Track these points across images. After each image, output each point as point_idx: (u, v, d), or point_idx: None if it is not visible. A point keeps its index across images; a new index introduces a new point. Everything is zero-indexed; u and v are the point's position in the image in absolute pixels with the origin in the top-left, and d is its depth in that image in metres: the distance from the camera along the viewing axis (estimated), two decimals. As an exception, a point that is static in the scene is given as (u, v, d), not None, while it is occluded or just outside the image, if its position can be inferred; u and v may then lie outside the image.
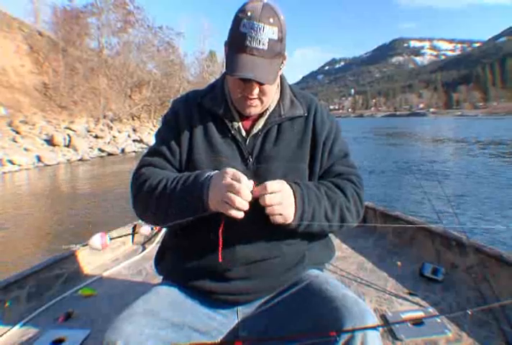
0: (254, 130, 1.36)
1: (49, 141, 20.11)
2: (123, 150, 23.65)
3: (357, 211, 1.35)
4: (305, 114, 1.40)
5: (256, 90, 1.25)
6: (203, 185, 1.16)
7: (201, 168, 1.29)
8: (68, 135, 21.40)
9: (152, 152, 1.40)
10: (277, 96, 1.40)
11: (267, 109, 1.37)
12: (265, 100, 1.30)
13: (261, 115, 1.37)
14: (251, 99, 1.27)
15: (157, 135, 1.44)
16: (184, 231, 1.32)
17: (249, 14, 1.14)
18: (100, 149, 22.23)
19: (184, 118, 1.38)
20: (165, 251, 1.47)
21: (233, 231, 1.21)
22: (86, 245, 2.69)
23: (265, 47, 1.16)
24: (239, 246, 1.28)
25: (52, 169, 16.55)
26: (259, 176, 1.28)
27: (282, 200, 1.14)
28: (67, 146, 20.43)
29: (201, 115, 1.38)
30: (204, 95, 1.40)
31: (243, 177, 1.11)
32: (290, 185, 1.20)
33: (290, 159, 1.34)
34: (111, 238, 2.75)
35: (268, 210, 1.13)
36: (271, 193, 1.12)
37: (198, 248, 1.31)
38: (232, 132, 1.35)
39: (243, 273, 1.29)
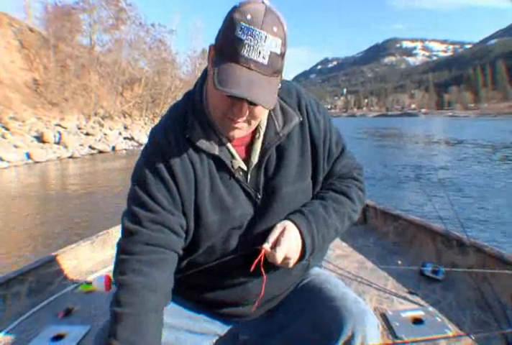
0: (253, 160, 1.15)
1: (40, 138, 19.96)
2: (114, 148, 23.57)
3: (361, 204, 1.31)
4: (300, 119, 1.19)
5: (245, 112, 1.01)
6: None
7: (211, 228, 1.13)
8: (59, 132, 21.30)
9: (147, 219, 1.07)
10: None
11: (259, 127, 1.15)
12: (254, 123, 1.08)
13: (253, 135, 1.17)
14: (236, 122, 1.04)
15: (144, 193, 1.09)
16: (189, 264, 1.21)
17: (248, 16, 0.92)
18: (90, 147, 22.11)
19: (182, 166, 1.10)
20: None
21: (240, 271, 1.18)
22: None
23: (265, 61, 0.94)
24: (248, 284, 1.22)
25: (42, 167, 16.44)
26: (268, 210, 1.17)
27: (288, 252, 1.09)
28: (58, 143, 20.30)
29: (198, 157, 1.11)
30: (191, 125, 1.12)
31: None
32: (294, 222, 1.13)
33: (295, 181, 1.19)
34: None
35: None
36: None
37: (203, 283, 1.25)
38: (236, 175, 1.13)
39: (252, 299, 1.23)
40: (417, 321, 1.93)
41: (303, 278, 1.33)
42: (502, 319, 1.85)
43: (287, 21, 1.00)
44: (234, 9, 0.96)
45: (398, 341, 1.78)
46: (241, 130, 1.08)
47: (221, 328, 1.29)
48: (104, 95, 34.85)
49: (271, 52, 0.94)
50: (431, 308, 2.05)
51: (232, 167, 1.13)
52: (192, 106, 1.15)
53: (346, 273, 2.58)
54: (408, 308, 2.07)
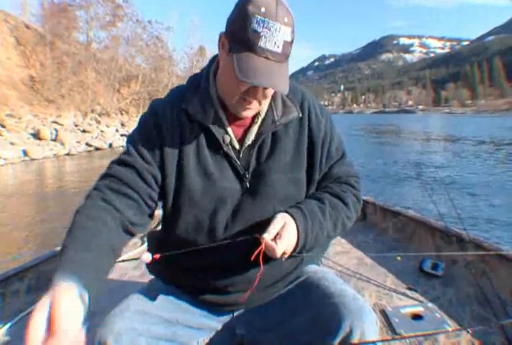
0: (247, 141, 1.22)
1: (36, 135, 19.89)
2: (111, 145, 23.47)
3: (356, 213, 1.33)
4: (300, 115, 1.25)
5: (261, 95, 1.12)
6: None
7: (196, 197, 1.18)
8: (55, 129, 21.20)
9: (124, 162, 1.18)
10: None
11: (259, 114, 1.22)
12: (264, 102, 1.18)
13: (252, 120, 1.23)
14: (251, 102, 1.14)
15: (130, 144, 1.21)
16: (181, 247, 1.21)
17: (262, 9, 1.00)
18: (87, 144, 22.01)
19: (171, 131, 1.19)
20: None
21: (233, 254, 1.19)
22: None
23: (279, 50, 1.03)
24: (240, 269, 1.23)
25: (39, 164, 16.37)
26: (257, 192, 1.21)
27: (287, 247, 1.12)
28: (54, 140, 20.20)
29: (190, 126, 1.20)
30: (189, 99, 1.21)
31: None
32: (294, 218, 1.15)
33: (288, 170, 1.23)
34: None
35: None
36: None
37: (196, 264, 1.25)
38: (224, 149, 1.19)
39: (243, 287, 1.23)
40: (416, 317, 1.93)
41: (299, 275, 1.33)
42: (501, 314, 1.86)
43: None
44: (247, 1, 1.02)
45: (398, 336, 1.78)
46: (253, 110, 1.17)
47: (217, 323, 1.29)
48: (101, 92, 34.78)
49: (284, 41, 1.03)
50: (430, 304, 2.05)
51: (223, 141, 1.19)
52: (196, 85, 1.25)
53: (346, 269, 2.57)
54: (407, 304, 2.07)
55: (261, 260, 1.08)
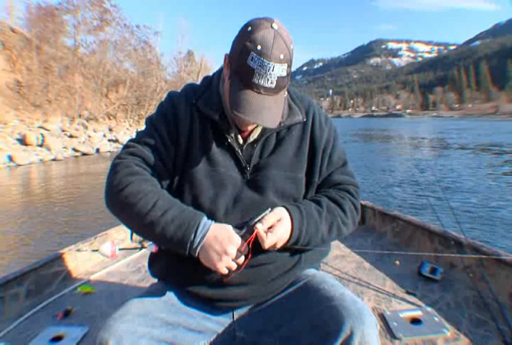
0: (251, 138, 1.31)
1: (22, 141, 19.71)
2: (98, 150, 23.38)
3: (353, 222, 1.37)
4: (304, 120, 1.35)
5: (253, 124, 1.24)
6: (193, 239, 1.13)
7: (198, 179, 1.26)
8: (42, 134, 21.00)
9: (144, 142, 1.28)
10: None
11: None
12: None
13: None
14: (246, 123, 1.24)
15: (151, 125, 1.32)
16: None
17: (259, 47, 1.06)
18: (74, 149, 21.88)
19: (183, 119, 1.30)
20: (159, 253, 1.42)
21: None
22: (96, 250, 2.84)
23: (273, 86, 1.11)
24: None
25: (25, 169, 16.20)
26: (256, 185, 1.28)
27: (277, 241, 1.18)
28: (41, 145, 20.06)
29: (199, 118, 1.30)
30: (200, 96, 1.32)
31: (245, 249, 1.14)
32: (291, 215, 1.21)
33: (288, 169, 1.31)
34: (119, 249, 2.90)
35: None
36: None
37: None
38: (229, 140, 1.29)
39: (240, 279, 1.25)
40: (415, 321, 1.93)
41: (298, 278, 1.34)
42: (499, 318, 1.86)
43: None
44: (247, 35, 1.09)
45: (397, 341, 1.77)
46: (253, 125, 1.27)
47: (218, 325, 1.29)
48: (89, 96, 34.60)
49: (278, 77, 1.10)
50: (429, 308, 2.05)
51: (228, 133, 1.28)
52: (208, 84, 1.36)
53: (344, 274, 2.58)
54: (406, 308, 2.06)
55: (250, 247, 1.14)
